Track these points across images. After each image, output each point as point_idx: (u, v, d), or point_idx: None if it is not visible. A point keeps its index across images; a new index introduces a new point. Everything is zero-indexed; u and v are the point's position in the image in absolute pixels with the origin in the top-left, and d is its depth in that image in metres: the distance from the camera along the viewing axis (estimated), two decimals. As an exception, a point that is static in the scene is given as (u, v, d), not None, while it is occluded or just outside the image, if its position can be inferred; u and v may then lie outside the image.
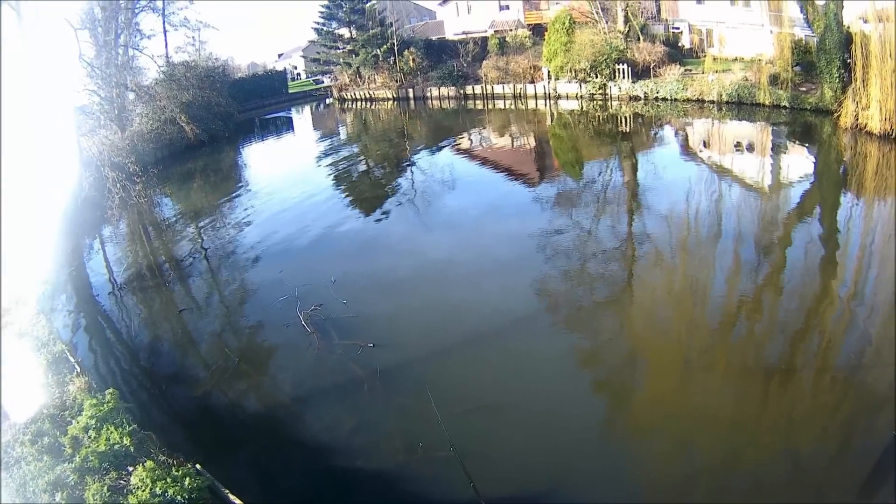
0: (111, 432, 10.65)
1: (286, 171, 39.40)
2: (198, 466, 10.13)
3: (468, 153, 40.17)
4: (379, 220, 26.91)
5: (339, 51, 73.26)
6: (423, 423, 12.20)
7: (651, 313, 16.86)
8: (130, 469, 10.03)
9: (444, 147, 42.79)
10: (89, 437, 10.79)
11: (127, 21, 49.43)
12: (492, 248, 21.72)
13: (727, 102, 44.54)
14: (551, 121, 51.95)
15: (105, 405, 11.34)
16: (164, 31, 56.64)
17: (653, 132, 42.36)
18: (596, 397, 13.33)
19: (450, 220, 25.86)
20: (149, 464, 9.77)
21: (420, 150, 44.08)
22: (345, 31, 72.20)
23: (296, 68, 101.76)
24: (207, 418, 13.62)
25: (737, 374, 13.43)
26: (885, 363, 13.05)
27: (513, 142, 43.82)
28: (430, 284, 19.30)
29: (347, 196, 31.94)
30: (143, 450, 10.53)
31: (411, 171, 36.90)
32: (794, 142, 35.26)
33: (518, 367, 14.23)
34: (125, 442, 10.51)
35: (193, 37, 58.65)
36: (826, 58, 35.35)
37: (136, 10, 51.51)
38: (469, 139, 45.41)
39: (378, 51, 68.30)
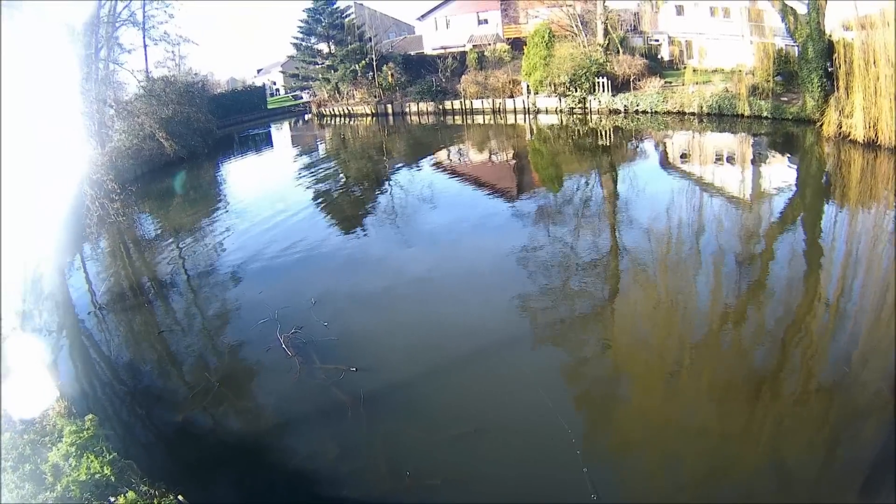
0: (91, 461, 10.48)
1: (265, 188, 39.27)
2: (180, 498, 10.03)
3: (448, 169, 40.34)
4: (358, 238, 26.83)
5: (317, 66, 73.25)
6: (409, 450, 12.11)
7: (634, 327, 16.93)
8: (112, 500, 9.85)
9: (423, 163, 42.92)
10: (70, 466, 10.61)
11: (107, 35, 49.23)
12: (472, 264, 21.74)
13: (708, 114, 45.19)
14: (531, 135, 52.37)
15: (85, 432, 11.16)
16: (145, 46, 56.46)
17: (633, 145, 42.89)
18: (581, 414, 13.23)
19: (430, 237, 25.81)
20: (130, 495, 9.69)
21: (399, 166, 44.22)
22: (323, 47, 72.38)
23: (275, 84, 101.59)
24: (188, 445, 13.36)
25: (722, 386, 13.45)
26: (871, 371, 13.25)
27: (492, 157, 44.10)
28: (410, 303, 19.21)
29: (327, 214, 31.86)
30: (123, 479, 10.41)
31: (391, 188, 36.95)
32: (777, 152, 35.74)
33: (502, 386, 14.15)
34: (105, 471, 10.37)
35: (173, 51, 58.70)
36: (808, 67, 35.86)
37: (117, 24, 51.24)
38: (448, 155, 45.62)
39: (357, 66, 68.44)
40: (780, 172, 31.73)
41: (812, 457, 11.14)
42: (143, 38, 56.24)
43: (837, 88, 33.15)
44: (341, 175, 43.09)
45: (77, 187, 28.76)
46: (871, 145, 30.28)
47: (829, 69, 35.00)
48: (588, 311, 17.86)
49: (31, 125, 21.46)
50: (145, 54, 56.97)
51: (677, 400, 13.31)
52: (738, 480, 10.71)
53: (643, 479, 10.92)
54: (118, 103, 47.69)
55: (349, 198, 36.14)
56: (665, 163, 36.41)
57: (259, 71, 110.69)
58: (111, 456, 10.79)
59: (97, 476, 10.30)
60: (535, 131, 53.28)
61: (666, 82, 51.14)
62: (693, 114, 45.94)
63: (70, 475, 10.36)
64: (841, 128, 32.68)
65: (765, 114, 41.39)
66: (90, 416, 11.91)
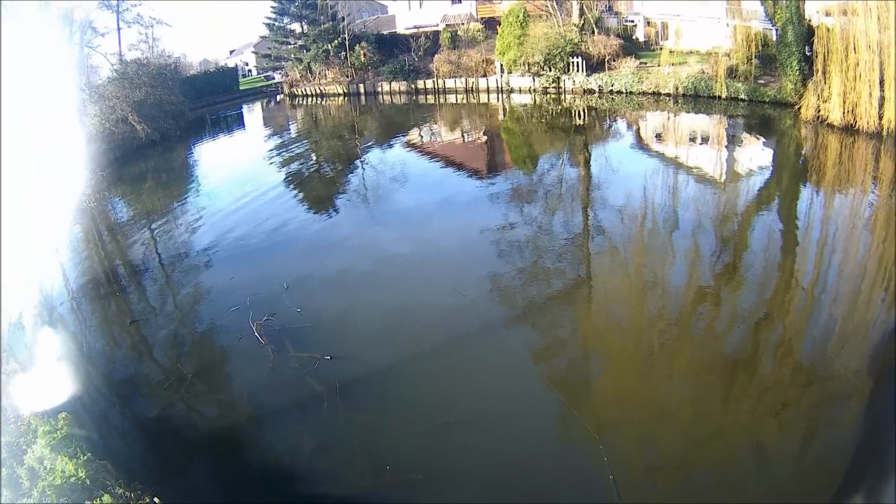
0: (66, 463, 10.23)
1: (237, 170, 39.06)
2: (156, 500, 9.92)
3: (420, 149, 40.31)
4: (330, 219, 26.92)
5: (290, 46, 72.60)
6: (388, 443, 11.94)
7: (609, 308, 17.05)
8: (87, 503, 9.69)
9: (395, 143, 42.88)
10: (45, 469, 10.37)
11: (83, 19, 48.86)
12: (445, 244, 21.85)
13: (683, 95, 45.17)
14: (504, 115, 52.26)
15: (58, 432, 10.96)
16: (118, 29, 56.01)
17: (607, 125, 43.08)
18: (556, 397, 13.06)
19: (402, 217, 25.86)
20: (106, 498, 9.57)
21: (371, 146, 44.19)
22: (296, 27, 71.66)
23: (247, 65, 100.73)
24: (163, 440, 13.11)
25: (698, 367, 13.55)
26: (849, 353, 13.38)
27: (465, 137, 44.02)
28: (383, 285, 19.15)
29: (298, 194, 31.87)
30: (99, 481, 10.24)
31: (362, 168, 36.93)
32: (753, 134, 35.98)
33: (476, 370, 14.13)
34: (80, 474, 10.13)
35: (147, 34, 58.32)
36: (787, 51, 36.12)
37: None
38: (420, 135, 45.54)
39: (329, 46, 67.95)
40: (757, 154, 32.03)
41: (790, 438, 11.20)
42: (118, 20, 55.88)
43: (816, 73, 33.41)
44: (312, 155, 42.88)
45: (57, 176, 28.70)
46: (849, 129, 30.65)
47: (808, 53, 35.22)
48: (562, 291, 17.87)
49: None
50: (119, 37, 56.54)
51: (653, 381, 13.33)
52: (715, 461, 10.82)
53: (621, 460, 10.86)
54: (91, 87, 47.31)
55: (321, 178, 36.14)
56: (639, 143, 36.62)
57: (231, 52, 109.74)
58: (85, 457, 10.58)
59: (72, 479, 10.08)
60: (508, 111, 53.19)
61: (641, 63, 51.13)
62: (668, 95, 45.93)
63: (45, 479, 10.15)
64: (819, 112, 32.97)
65: (742, 96, 41.55)
66: (63, 413, 11.61)
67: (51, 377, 14.28)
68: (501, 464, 11.17)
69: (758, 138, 35.00)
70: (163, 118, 50.04)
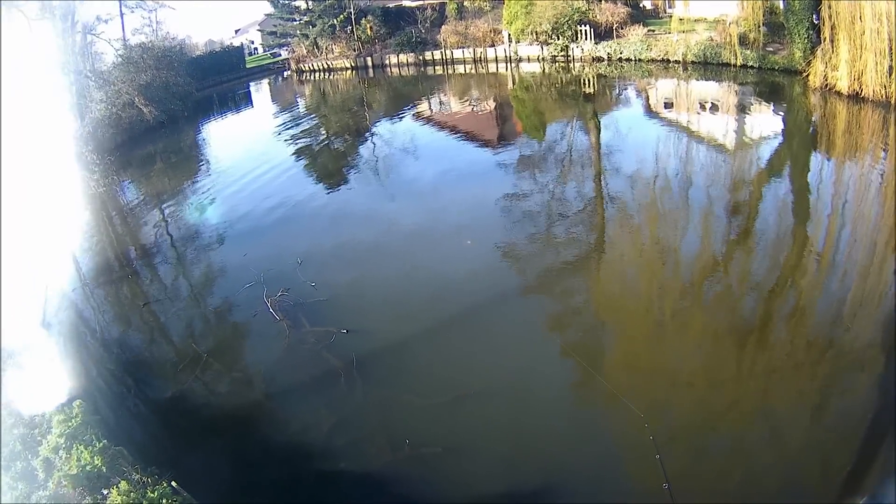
0: (81, 452, 10.16)
1: (246, 147, 38.74)
2: (173, 484, 9.75)
3: (429, 120, 39.94)
4: (341, 193, 26.76)
5: (295, 22, 72.32)
6: (407, 417, 11.84)
7: (621, 275, 16.79)
8: (105, 492, 9.60)
9: (404, 115, 42.60)
10: (60, 459, 10.32)
11: (85, 7, 48.74)
12: (457, 214, 21.54)
13: (693, 62, 44.59)
14: (513, 84, 51.78)
15: (73, 420, 10.88)
16: (121, 14, 55.98)
17: (617, 93, 42.60)
18: (569, 364, 12.98)
19: (413, 189, 25.65)
20: (123, 486, 9.42)
21: (380, 118, 43.87)
22: (301, 2, 71.17)
23: (252, 43, 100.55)
24: (178, 423, 12.97)
25: (711, 336, 13.39)
26: (862, 322, 13.14)
27: (474, 107, 43.54)
28: (397, 257, 18.90)
29: (308, 169, 31.79)
30: (115, 468, 10.13)
31: (372, 141, 36.66)
32: (763, 101, 35.41)
33: (491, 340, 14.01)
34: (96, 462, 10.03)
35: (150, 17, 58.23)
36: (795, 18, 35.37)
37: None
38: (430, 106, 45.25)
39: (335, 20, 67.52)
40: (767, 121, 31.58)
41: (804, 406, 11.04)
42: (120, 6, 55.75)
43: (824, 40, 32.78)
44: (322, 130, 42.75)
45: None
46: (856, 98, 30.03)
47: (816, 21, 34.66)
48: (575, 259, 17.64)
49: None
50: (122, 22, 56.55)
51: (666, 349, 13.16)
52: (729, 429, 10.66)
53: (634, 428, 10.66)
54: (96, 73, 47.18)
55: (331, 153, 36.01)
56: (649, 110, 36.18)
57: (237, 31, 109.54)
58: (101, 444, 10.45)
59: (88, 468, 9.98)
60: (517, 80, 52.67)
61: (649, 30, 50.47)
62: (677, 62, 45.39)
63: (61, 469, 10.09)
64: (827, 79, 32.38)
65: (751, 63, 40.89)
66: (77, 401, 11.60)
67: (63, 368, 14.06)
68: (519, 434, 11.07)
69: (768, 105, 34.59)
70: (169, 100, 49.96)
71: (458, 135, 34.54)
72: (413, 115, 42.26)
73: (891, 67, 28.29)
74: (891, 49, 28.13)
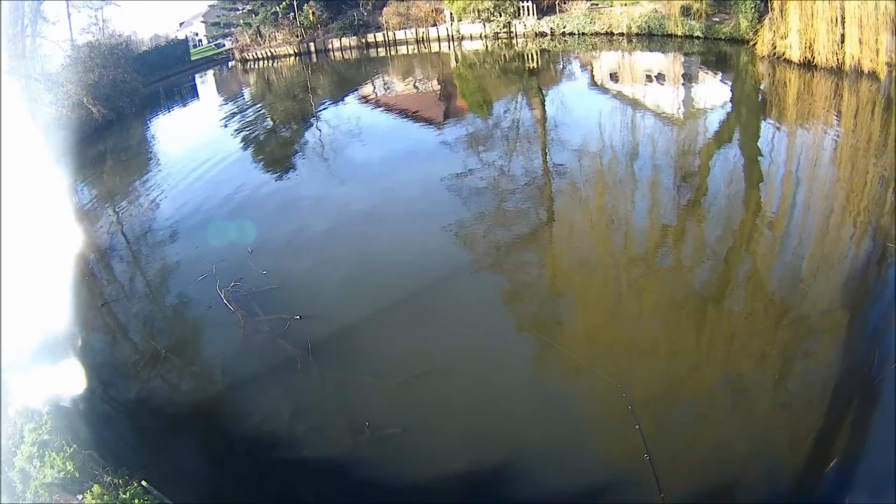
0: (54, 459, 10.24)
1: (194, 140, 38.82)
2: (144, 483, 9.88)
3: (374, 102, 40.57)
4: (290, 180, 27.16)
5: (238, 12, 72.09)
6: (365, 399, 11.96)
7: (574, 248, 17.21)
8: (80, 497, 9.73)
9: (348, 98, 43.30)
10: (35, 468, 10.32)
11: (33, 10, 48.40)
12: (405, 195, 22.01)
13: (637, 34, 45.51)
14: (456, 62, 52.50)
15: (43, 427, 11.02)
16: (69, 15, 55.47)
17: (561, 67, 43.53)
18: (527, 339, 13.31)
19: (360, 171, 26.06)
20: (96, 489, 9.60)
21: (325, 103, 44.34)
22: (244, -8, 71.15)
23: (197, 35, 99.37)
24: (144, 421, 12.93)
25: (667, 305, 13.56)
26: (820, 287, 13.45)
27: (418, 87, 44.19)
28: (347, 241, 19.26)
29: (256, 158, 32.03)
30: (87, 472, 10.24)
31: (318, 127, 37.08)
32: (710, 70, 36.26)
33: (446, 318, 14.33)
34: (68, 467, 10.12)
35: (96, 16, 57.67)
36: (742, -11, 36.16)
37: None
38: (374, 88, 45.63)
39: (277, 7, 67.54)
40: (714, 90, 32.32)
41: (767, 372, 11.16)
42: (67, 6, 55.41)
43: (771, 10, 33.70)
44: (268, 118, 42.98)
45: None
46: (808, 65, 30.98)
47: (762, -9, 35.59)
48: (526, 234, 18.01)
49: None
50: (69, 23, 55.93)
51: (624, 320, 13.45)
52: (693, 398, 10.92)
53: (597, 400, 11.05)
54: (45, 76, 47.04)
55: (278, 140, 36.27)
56: (594, 83, 36.97)
57: (181, 24, 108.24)
58: (72, 449, 10.53)
59: (61, 474, 10.06)
60: (460, 58, 53.33)
61: (593, 4, 51.20)
62: (622, 34, 46.23)
63: (36, 478, 10.14)
64: (775, 48, 33.34)
65: (696, 33, 41.77)
66: (46, 407, 11.84)
67: (29, 374, 13.93)
68: (479, 410, 11.28)
69: (715, 74, 35.32)
70: (117, 97, 49.74)
71: (404, 115, 35.10)
72: (358, 98, 42.82)
73: (843, 35, 29.21)
74: (843, 17, 29.05)
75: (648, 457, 9.49)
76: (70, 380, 14.28)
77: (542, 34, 51.30)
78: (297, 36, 67.64)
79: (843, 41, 29.27)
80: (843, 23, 29.09)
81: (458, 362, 12.66)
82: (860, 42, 28.49)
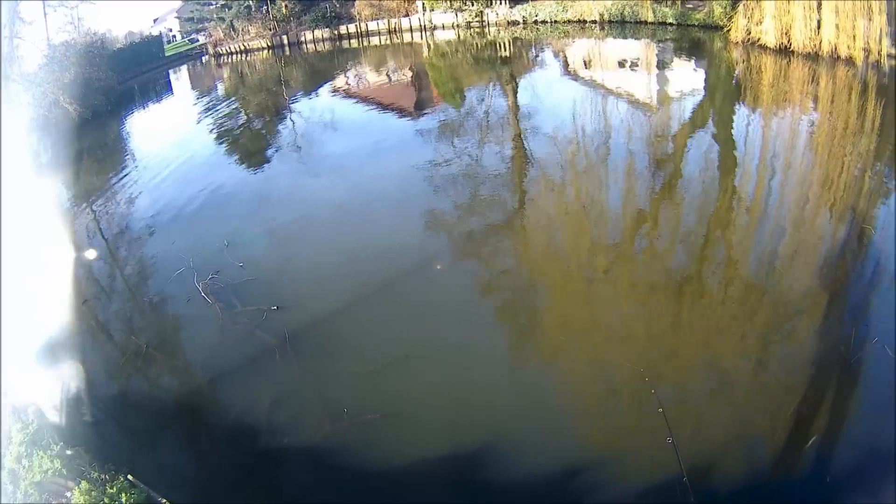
0: (42, 458, 10.36)
1: (169, 137, 38.69)
2: (130, 478, 10.03)
3: (346, 93, 41.16)
4: (264, 173, 27.47)
5: (212, 7, 72.21)
6: (343, 386, 12.14)
7: (548, 235, 17.45)
8: (69, 495, 9.85)
9: (321, 90, 43.51)
10: (24, 468, 10.40)
11: (10, 11, 48.34)
12: (379, 186, 22.23)
13: (610, 21, 46.17)
14: (428, 52, 52.93)
15: (30, 426, 11.08)
16: (45, 14, 55.36)
17: (534, 55, 43.89)
18: (503, 327, 13.63)
19: (334, 163, 26.34)
20: (84, 485, 9.68)
21: (298, 96, 44.57)
22: (217, -14, 71.16)
23: (171, 31, 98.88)
24: (127, 417, 12.98)
25: (645, 290, 13.79)
26: (797, 270, 13.85)
27: (391, 77, 44.59)
28: (322, 232, 19.58)
29: (231, 152, 32.18)
30: (74, 469, 10.33)
31: (291, 119, 37.45)
32: (683, 56, 36.79)
33: (423, 306, 14.65)
34: (56, 465, 10.26)
35: (72, 15, 57.58)
36: (716, -25, 36.59)
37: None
38: (347, 79, 46.20)
39: (250, 1, 67.74)
40: (688, 76, 32.83)
41: (745, 354, 11.46)
42: (43, 6, 55.30)
43: None
44: (241, 112, 43.12)
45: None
46: (784, 51, 31.67)
47: (736, -21, 35.92)
48: (501, 222, 18.40)
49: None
50: (45, 23, 55.72)
51: (601, 305, 13.75)
52: (673, 381, 11.07)
53: (576, 386, 11.31)
54: (23, 76, 47.07)
55: (252, 134, 36.46)
56: (567, 71, 37.40)
57: (155, 20, 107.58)
58: (58, 447, 10.68)
59: (50, 472, 10.17)
60: (432, 48, 53.78)
61: (565, -8, 51.43)
62: (594, 22, 46.96)
63: (26, 478, 10.21)
64: (749, 34, 33.90)
65: (669, 20, 42.42)
66: (32, 406, 11.97)
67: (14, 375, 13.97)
68: (456, 395, 11.49)
69: (688, 60, 35.82)
70: (93, 95, 49.63)
71: (377, 106, 35.50)
72: (331, 89, 43.14)
73: (819, 21, 29.76)
74: (819, 3, 29.59)
75: (671, 440, 9.62)
76: (60, 379, 14.43)
77: (515, 23, 51.80)
78: (270, 29, 67.89)
79: (819, 27, 29.86)
80: (819, 8, 29.72)
81: (436, 349, 12.92)
82: (837, 27, 29.14)
